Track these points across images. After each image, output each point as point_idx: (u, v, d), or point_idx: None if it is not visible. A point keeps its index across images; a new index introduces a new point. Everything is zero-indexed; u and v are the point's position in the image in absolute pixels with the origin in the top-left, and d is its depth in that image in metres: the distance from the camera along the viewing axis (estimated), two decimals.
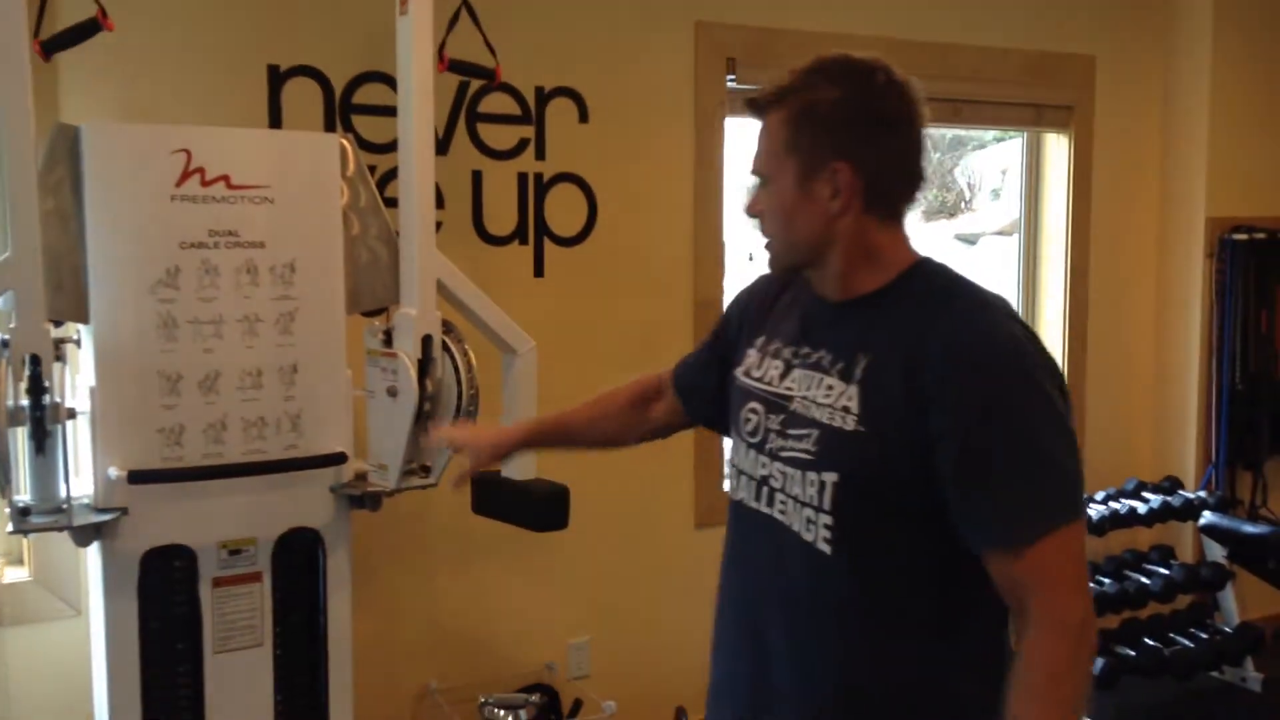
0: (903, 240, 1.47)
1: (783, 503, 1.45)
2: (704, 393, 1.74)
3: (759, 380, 1.53)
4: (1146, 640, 3.72)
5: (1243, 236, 4.01)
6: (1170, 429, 4.19)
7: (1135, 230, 4.16)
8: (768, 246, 1.51)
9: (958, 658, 1.41)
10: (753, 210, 1.50)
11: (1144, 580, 3.69)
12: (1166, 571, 3.74)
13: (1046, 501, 1.32)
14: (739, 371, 1.58)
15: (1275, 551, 2.73)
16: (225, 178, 2.22)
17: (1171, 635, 3.81)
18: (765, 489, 1.48)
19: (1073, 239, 3.98)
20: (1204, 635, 3.81)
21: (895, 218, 1.46)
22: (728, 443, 1.66)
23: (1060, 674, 1.29)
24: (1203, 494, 3.89)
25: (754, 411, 1.52)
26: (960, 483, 1.32)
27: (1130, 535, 3.88)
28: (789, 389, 1.47)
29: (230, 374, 2.24)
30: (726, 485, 1.62)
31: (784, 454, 1.45)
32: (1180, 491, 3.89)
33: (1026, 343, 1.36)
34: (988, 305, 1.39)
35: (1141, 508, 3.76)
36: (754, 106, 1.47)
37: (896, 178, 1.43)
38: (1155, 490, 3.90)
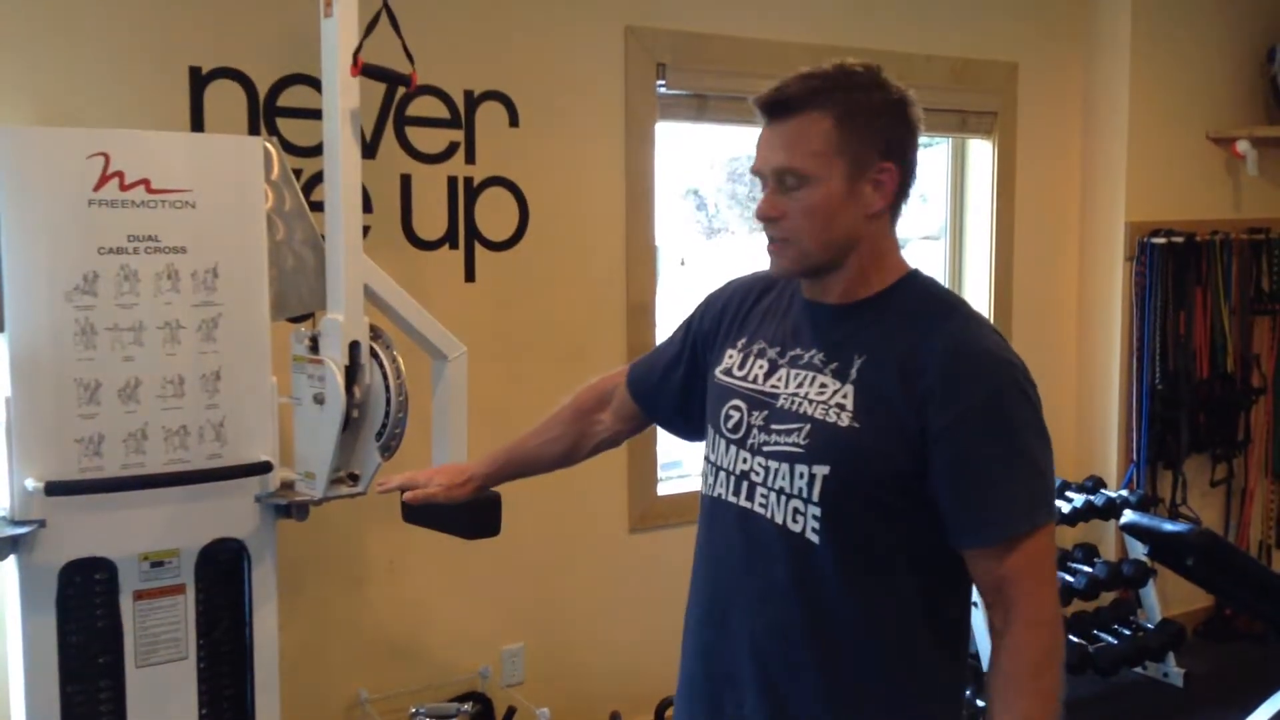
0: (899, 247, 1.54)
1: (764, 496, 1.49)
2: (667, 393, 1.75)
3: (742, 379, 1.56)
4: (1071, 637, 3.79)
5: (1161, 240, 4.11)
6: (1092, 429, 4.28)
7: (1058, 234, 4.25)
8: (784, 247, 1.49)
9: (929, 646, 1.49)
10: (774, 213, 1.47)
11: (1068, 578, 3.76)
12: (1090, 570, 3.81)
13: (1032, 502, 1.42)
14: (718, 371, 1.61)
15: (1193, 549, 2.80)
16: (145, 182, 2.18)
17: (1095, 632, 3.89)
18: (745, 483, 1.51)
19: (997, 243, 4.06)
20: (1127, 632, 3.90)
21: (896, 224, 1.53)
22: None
23: (1042, 664, 1.39)
24: (1124, 493, 3.98)
25: (736, 409, 1.55)
26: (954, 481, 1.40)
27: (1055, 534, 3.94)
28: (774, 387, 1.52)
29: (151, 382, 2.20)
30: (700, 482, 1.63)
31: (767, 449, 1.48)
32: (1103, 491, 3.98)
33: (1013, 355, 1.45)
34: (980, 319, 1.50)
35: (1065, 507, 3.84)
36: (781, 105, 1.46)
37: (912, 184, 1.51)
38: (1078, 490, 3.98)
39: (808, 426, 1.45)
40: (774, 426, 1.49)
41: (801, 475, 1.44)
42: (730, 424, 1.55)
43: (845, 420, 1.43)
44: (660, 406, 1.79)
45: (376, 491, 1.99)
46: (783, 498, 1.46)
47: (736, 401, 1.55)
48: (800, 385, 1.49)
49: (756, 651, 1.51)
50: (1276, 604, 2.91)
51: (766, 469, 1.48)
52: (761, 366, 1.55)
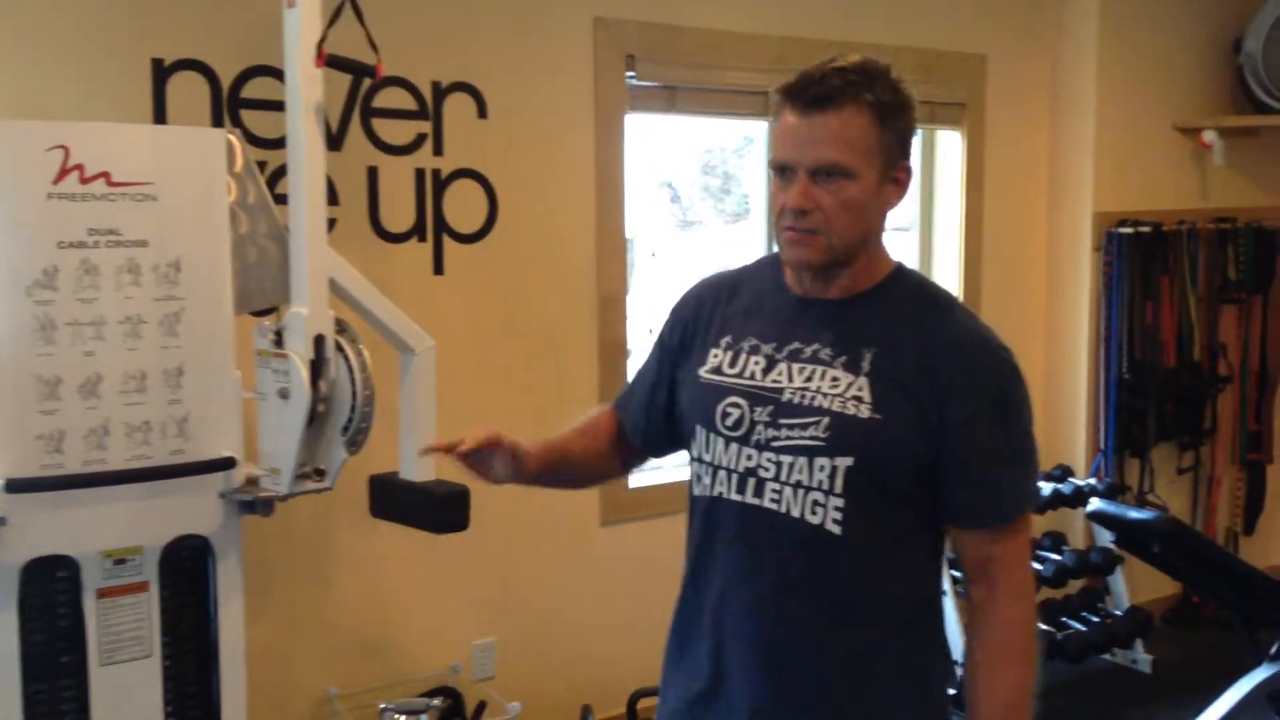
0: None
1: (775, 491, 1.50)
2: (654, 419, 1.71)
3: (736, 376, 1.56)
4: (1040, 625, 3.81)
5: (1129, 230, 4.14)
6: (1060, 418, 4.31)
7: (1026, 224, 4.27)
8: (811, 239, 1.47)
9: (927, 621, 1.57)
10: (809, 204, 1.45)
11: (1037, 566, 3.79)
12: (1058, 558, 3.84)
13: (1029, 485, 1.56)
14: (703, 371, 1.59)
15: (1159, 536, 2.82)
16: (106, 174, 2.15)
17: (1064, 619, 3.92)
18: (752, 480, 1.52)
19: (966, 234, 4.07)
20: (1095, 619, 3.93)
21: None
22: None
23: (1029, 634, 1.52)
24: (1092, 481, 4.01)
25: (735, 405, 1.54)
26: (968, 467, 1.47)
27: None
28: (776, 382, 1.52)
29: (113, 377, 2.17)
30: (692, 483, 1.61)
31: (778, 443, 1.50)
32: (1071, 479, 4.01)
33: (1005, 343, 1.53)
34: (974, 313, 1.58)
35: None
36: (821, 98, 1.44)
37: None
38: (1047, 478, 4.01)
39: (826, 419, 1.47)
40: (783, 421, 1.49)
41: (822, 468, 1.46)
42: (729, 421, 1.54)
43: (865, 412, 1.46)
44: (653, 436, 1.73)
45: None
46: (800, 491, 1.48)
47: (734, 399, 1.54)
48: (809, 379, 1.50)
49: (767, 644, 1.52)
50: (1241, 590, 2.93)
51: (779, 464, 1.49)
52: (758, 363, 1.55)
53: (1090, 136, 4.15)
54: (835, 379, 1.49)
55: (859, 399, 1.47)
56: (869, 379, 1.47)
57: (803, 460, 1.48)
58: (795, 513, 1.48)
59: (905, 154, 1.51)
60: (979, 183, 4.08)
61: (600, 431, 1.78)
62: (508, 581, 3.26)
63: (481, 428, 1.60)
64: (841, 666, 1.51)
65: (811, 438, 1.47)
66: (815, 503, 1.47)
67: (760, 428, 1.51)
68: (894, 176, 1.50)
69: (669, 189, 4.18)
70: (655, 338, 1.75)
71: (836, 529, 1.47)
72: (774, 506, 1.50)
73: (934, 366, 1.46)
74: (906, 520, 1.51)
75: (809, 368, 1.51)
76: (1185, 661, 4.05)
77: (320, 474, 2.41)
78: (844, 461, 1.46)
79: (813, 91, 1.45)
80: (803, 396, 1.50)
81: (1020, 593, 1.51)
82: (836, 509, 1.47)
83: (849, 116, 1.44)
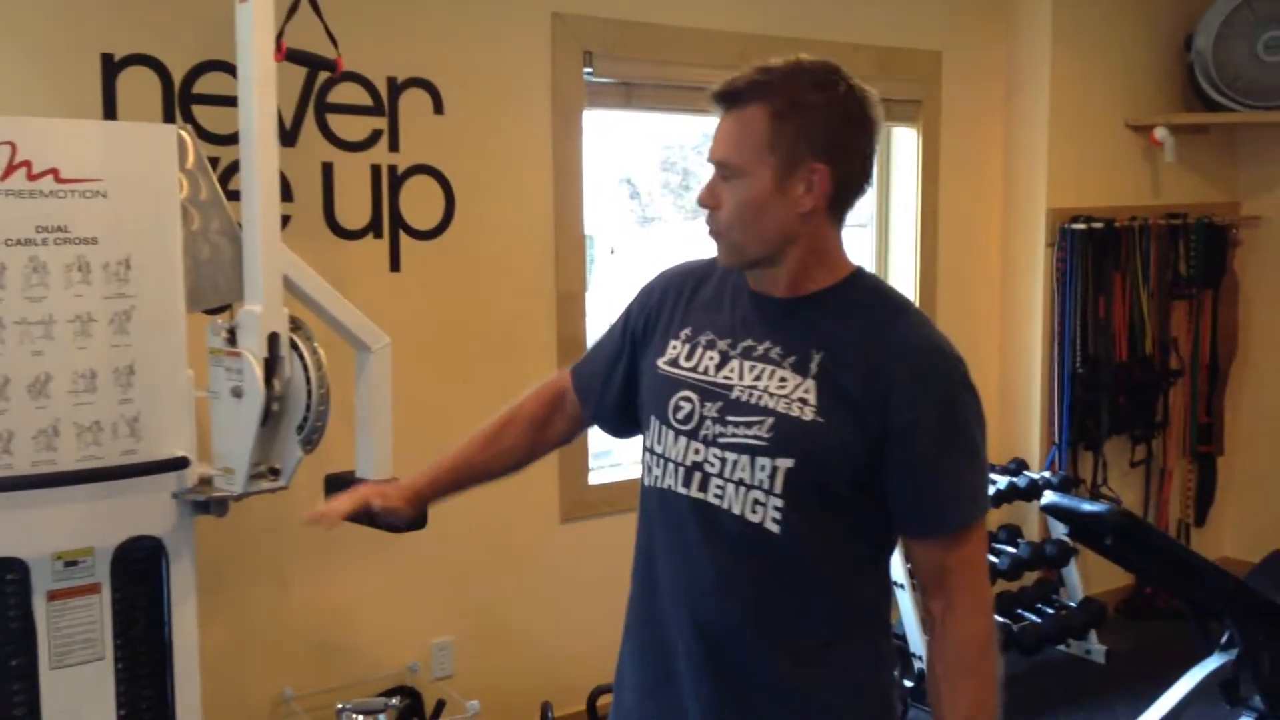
0: (843, 244, 1.56)
1: (719, 487, 1.50)
2: (610, 393, 1.74)
3: (691, 370, 1.56)
4: (996, 617, 3.84)
5: (1081, 226, 4.19)
6: (1015, 412, 4.36)
7: (981, 221, 4.31)
8: (720, 238, 1.51)
9: (871, 620, 1.56)
10: (712, 202, 1.50)
11: (992, 559, 3.83)
12: (1014, 550, 3.89)
13: (978, 493, 1.51)
14: (662, 361, 1.60)
15: (1111, 528, 2.85)
16: (54, 171, 2.12)
17: (1019, 611, 3.97)
18: (698, 474, 1.52)
19: (922, 230, 4.10)
20: (1050, 611, 3.98)
21: (843, 221, 1.54)
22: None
23: (988, 648, 1.49)
24: (1047, 474, 4.06)
25: (687, 399, 1.54)
26: (912, 475, 1.46)
27: None
28: (727, 379, 1.52)
29: (62, 377, 2.14)
30: (642, 473, 1.62)
31: (724, 440, 1.49)
32: (1025, 473, 4.05)
33: (959, 352, 1.52)
34: (928, 318, 1.56)
35: (989, 489, 3.89)
36: (729, 97, 1.47)
37: (860, 183, 1.52)
38: (1002, 472, 4.05)
39: (770, 420, 1.47)
40: (730, 418, 1.50)
41: (764, 468, 1.46)
42: (680, 415, 1.55)
43: (809, 415, 1.45)
44: (604, 408, 1.76)
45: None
46: (742, 489, 1.48)
47: (687, 393, 1.55)
48: (758, 378, 1.50)
49: (711, 639, 1.52)
50: (1192, 581, 2.98)
51: (723, 460, 1.49)
52: (712, 358, 1.55)
53: (1044, 134, 4.19)
54: (783, 379, 1.48)
55: (804, 401, 1.46)
56: (816, 381, 1.46)
57: (745, 459, 1.48)
58: (736, 510, 1.49)
59: (822, 155, 1.45)
60: (934, 179, 4.11)
61: (521, 424, 1.82)
62: (466, 579, 3.25)
63: (346, 499, 1.80)
64: (781, 664, 1.50)
65: (755, 437, 1.47)
66: (756, 501, 1.47)
67: (709, 423, 1.51)
68: (805, 178, 1.45)
69: (628, 185, 4.18)
70: (621, 313, 1.75)
71: (775, 528, 1.47)
72: (717, 502, 1.50)
73: (877, 373, 1.45)
74: (847, 525, 1.50)
75: (759, 366, 1.51)
76: (1139, 651, 4.11)
77: (275, 473, 2.38)
78: (785, 463, 1.45)
79: (722, 90, 1.48)
80: (750, 395, 1.49)
81: (977, 605, 1.49)
82: (776, 509, 1.46)
83: (750, 116, 1.45)
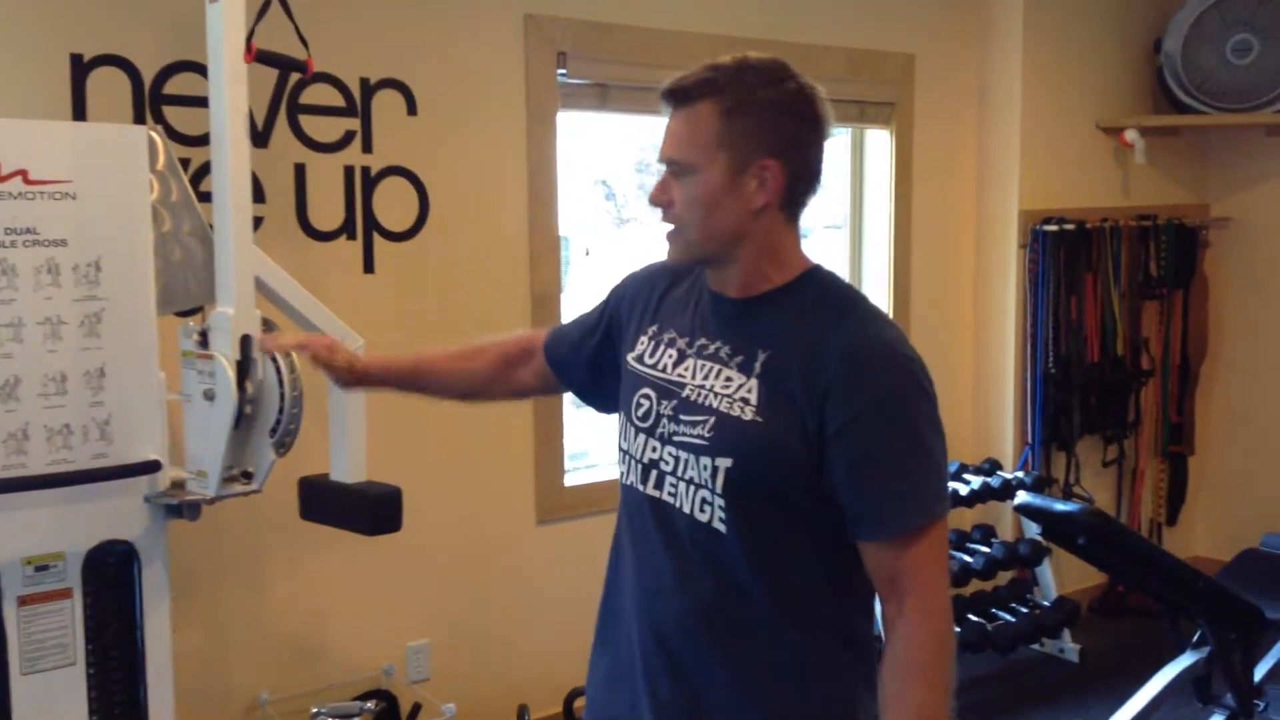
0: (799, 242, 1.54)
1: (673, 485, 1.50)
2: (578, 363, 1.77)
3: (652, 367, 1.57)
4: (970, 616, 3.88)
5: (1053, 228, 4.22)
6: (989, 413, 4.38)
7: (954, 222, 4.33)
8: (673, 236, 1.51)
9: (837, 623, 1.52)
10: (662, 199, 1.50)
11: (966, 559, 3.85)
12: (987, 550, 3.91)
13: (928, 495, 1.44)
14: (631, 357, 1.62)
15: (1083, 528, 2.87)
16: (22, 173, 2.10)
17: (993, 610, 3.99)
18: (654, 472, 1.53)
19: (895, 232, 4.12)
20: (1024, 610, 4.00)
21: (797, 220, 1.53)
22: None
23: (938, 654, 1.42)
24: (1020, 474, 4.08)
25: (646, 397, 1.56)
26: (854, 476, 1.42)
27: (954, 516, 4.04)
28: (681, 376, 1.53)
29: (32, 380, 2.12)
30: (618, 469, 1.64)
31: (677, 438, 1.50)
32: (999, 473, 4.07)
33: (911, 350, 1.47)
34: (880, 316, 1.51)
35: (963, 489, 3.92)
36: (678, 95, 1.47)
37: (811, 181, 1.50)
38: (976, 472, 4.07)
39: (712, 419, 1.47)
40: (682, 417, 1.50)
41: (706, 467, 1.47)
42: (640, 412, 1.56)
43: (749, 414, 1.45)
44: (573, 375, 1.80)
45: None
46: (691, 487, 1.49)
47: (646, 390, 1.56)
48: (707, 377, 1.50)
49: (669, 637, 1.52)
50: (1164, 580, 3.00)
51: (676, 459, 1.50)
52: (670, 356, 1.56)
53: (1015, 136, 4.22)
54: (729, 379, 1.48)
55: (746, 401, 1.45)
56: (759, 381, 1.46)
57: (691, 457, 1.48)
58: (687, 508, 1.49)
59: (773, 152, 1.44)
60: (907, 181, 4.13)
61: (491, 355, 1.86)
62: (441, 582, 3.23)
63: (302, 335, 1.94)
64: (732, 666, 1.50)
65: (699, 436, 1.48)
66: (704, 500, 1.47)
67: (664, 421, 1.52)
68: (756, 174, 1.44)
69: (603, 186, 4.18)
70: (605, 295, 1.77)
71: (722, 527, 1.46)
72: (671, 500, 1.51)
73: (818, 372, 1.42)
74: (794, 525, 1.47)
75: (709, 365, 1.51)
76: (1112, 650, 4.14)
77: (248, 476, 2.36)
78: (724, 462, 1.45)
79: (669, 87, 1.48)
80: (698, 394, 1.50)
81: (930, 609, 1.42)
82: (720, 508, 1.46)
83: (696, 114, 1.45)
